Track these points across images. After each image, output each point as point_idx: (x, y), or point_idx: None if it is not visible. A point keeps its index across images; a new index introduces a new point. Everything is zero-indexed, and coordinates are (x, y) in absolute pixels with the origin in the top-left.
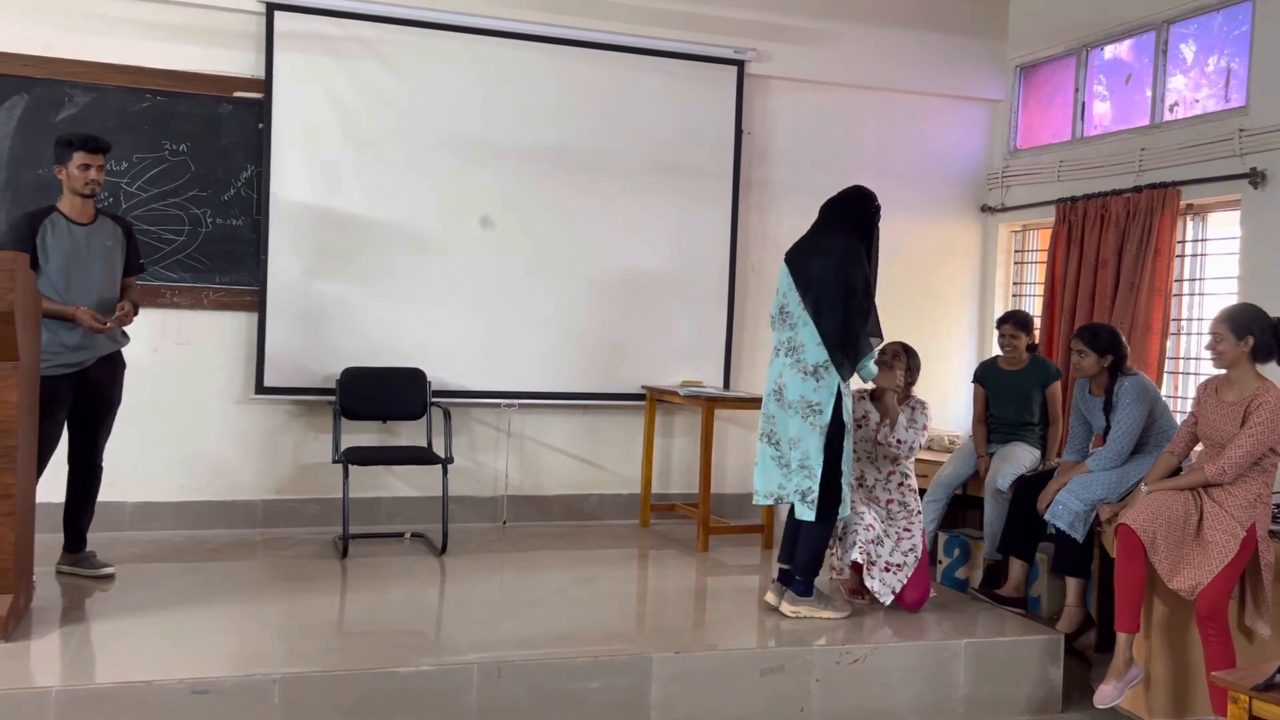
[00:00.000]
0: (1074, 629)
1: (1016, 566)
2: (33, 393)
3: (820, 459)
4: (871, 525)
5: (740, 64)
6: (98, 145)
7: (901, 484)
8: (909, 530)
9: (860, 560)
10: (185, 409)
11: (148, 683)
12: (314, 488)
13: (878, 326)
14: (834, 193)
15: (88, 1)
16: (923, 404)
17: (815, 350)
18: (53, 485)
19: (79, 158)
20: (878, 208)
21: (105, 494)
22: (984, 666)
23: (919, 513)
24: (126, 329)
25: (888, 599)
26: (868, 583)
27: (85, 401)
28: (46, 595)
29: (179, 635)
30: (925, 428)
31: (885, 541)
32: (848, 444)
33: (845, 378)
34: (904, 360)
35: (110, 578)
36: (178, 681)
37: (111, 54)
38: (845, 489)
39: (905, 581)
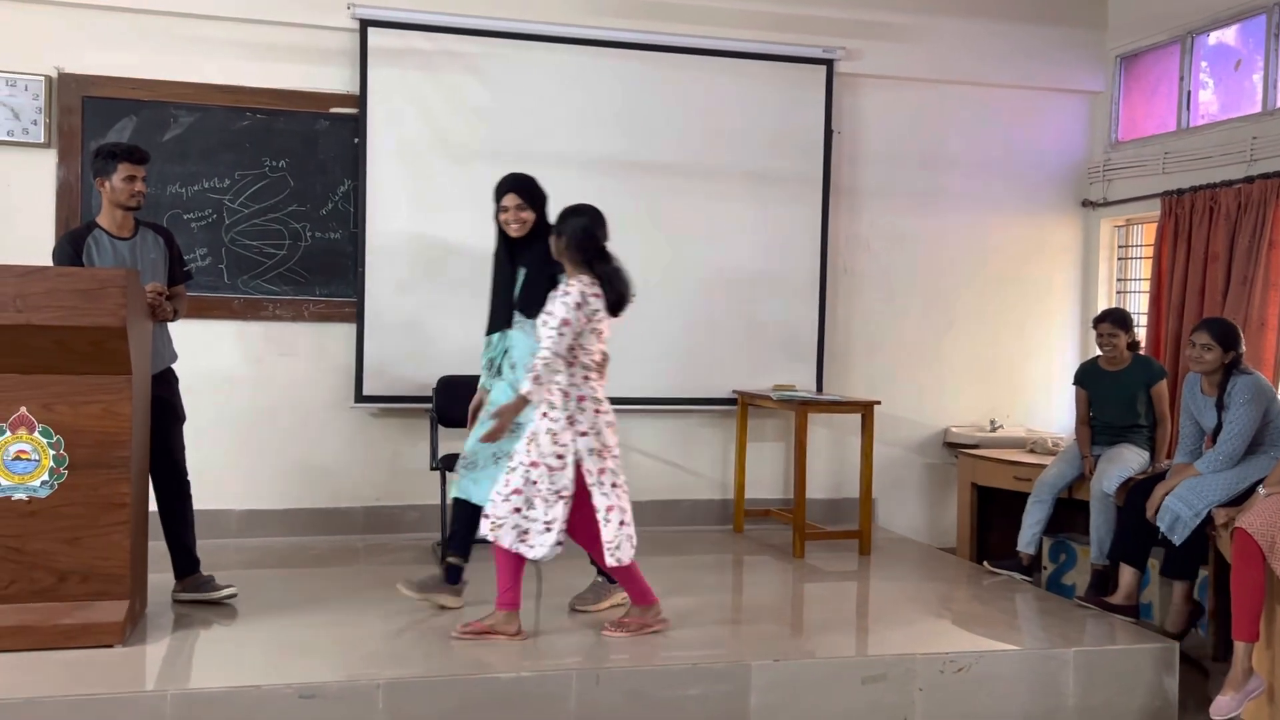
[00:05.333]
0: (1182, 626)
1: (1128, 573)
2: (144, 405)
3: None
4: (518, 490)
5: (829, 63)
6: (143, 156)
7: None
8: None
9: (520, 549)
10: (288, 418)
11: (256, 687)
12: (412, 494)
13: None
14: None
15: (190, 24)
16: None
17: None
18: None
19: (124, 169)
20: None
21: (212, 502)
22: (1095, 675)
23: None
24: (175, 348)
25: (547, 553)
26: (527, 553)
27: (153, 417)
28: (160, 601)
29: (285, 640)
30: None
31: (535, 502)
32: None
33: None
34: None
35: (232, 599)
36: (285, 686)
37: (213, 74)
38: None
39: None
